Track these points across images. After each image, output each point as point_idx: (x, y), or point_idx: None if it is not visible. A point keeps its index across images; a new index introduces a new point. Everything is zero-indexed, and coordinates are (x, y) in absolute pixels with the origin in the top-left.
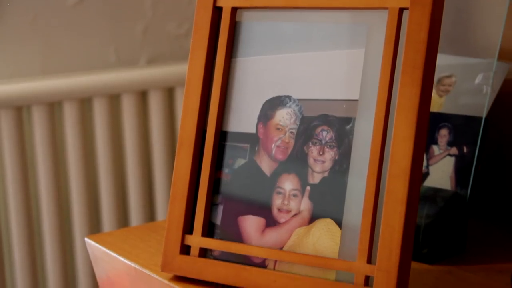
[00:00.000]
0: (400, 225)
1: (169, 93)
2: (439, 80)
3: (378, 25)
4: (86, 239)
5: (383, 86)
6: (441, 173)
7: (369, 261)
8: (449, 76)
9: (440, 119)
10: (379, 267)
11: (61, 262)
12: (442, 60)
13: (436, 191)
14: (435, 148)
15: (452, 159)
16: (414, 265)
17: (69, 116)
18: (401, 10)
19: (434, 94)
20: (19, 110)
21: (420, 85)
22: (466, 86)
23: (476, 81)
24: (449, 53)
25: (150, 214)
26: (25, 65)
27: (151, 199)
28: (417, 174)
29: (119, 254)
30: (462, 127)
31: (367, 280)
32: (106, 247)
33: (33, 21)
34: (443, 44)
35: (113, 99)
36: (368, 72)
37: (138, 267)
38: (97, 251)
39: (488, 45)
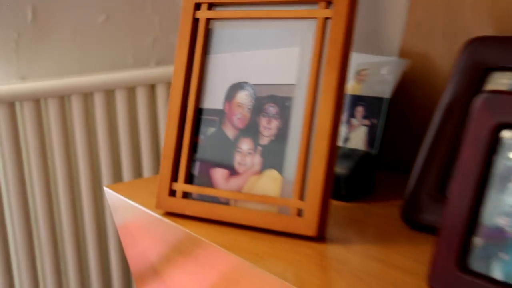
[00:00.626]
0: (322, 173)
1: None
2: (358, 72)
3: (310, 30)
4: (105, 188)
5: (312, 73)
6: (357, 138)
7: (301, 198)
8: (365, 69)
9: (358, 99)
10: (307, 202)
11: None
12: (361, 58)
13: (353, 151)
14: (353, 121)
15: (366, 128)
16: (336, 202)
17: (98, 104)
18: (326, 19)
19: (354, 82)
20: (62, 99)
21: (338, 73)
22: (377, 76)
23: (383, 72)
24: (365, 52)
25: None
26: (67, 65)
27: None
28: (335, 137)
29: (131, 200)
30: (373, 105)
31: (299, 212)
32: (121, 194)
33: (73, 32)
34: (362, 46)
35: (130, 91)
36: (302, 64)
37: (141, 207)
38: (114, 198)
39: (392, 47)
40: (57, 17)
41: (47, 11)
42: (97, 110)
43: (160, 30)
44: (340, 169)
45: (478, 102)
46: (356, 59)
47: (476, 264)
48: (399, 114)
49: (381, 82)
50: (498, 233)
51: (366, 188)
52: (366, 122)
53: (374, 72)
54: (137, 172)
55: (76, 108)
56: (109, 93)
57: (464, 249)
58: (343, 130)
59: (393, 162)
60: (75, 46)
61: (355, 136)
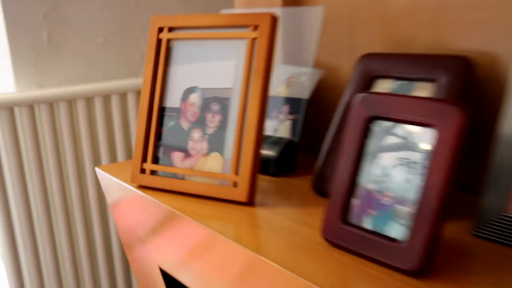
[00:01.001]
0: (251, 154)
1: None
2: (287, 79)
3: (242, 47)
4: (96, 169)
5: (244, 80)
6: (284, 129)
7: (236, 173)
8: (291, 77)
9: (285, 100)
10: (240, 176)
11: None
12: (289, 69)
13: (281, 139)
14: (281, 116)
15: (290, 122)
16: (267, 177)
17: (98, 106)
18: (254, 39)
19: (284, 87)
20: (69, 102)
21: (263, 79)
22: (299, 82)
23: (303, 80)
24: (292, 65)
25: None
26: (74, 75)
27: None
28: (261, 127)
29: (115, 177)
30: (295, 104)
31: (235, 184)
32: (109, 173)
33: (79, 51)
34: (290, 60)
35: (123, 96)
36: (237, 72)
37: (121, 182)
38: (103, 176)
39: (309, 61)
40: (66, 39)
41: (59, 35)
42: (97, 111)
43: (146, 48)
44: (271, 152)
45: (356, 100)
46: (286, 70)
47: (354, 218)
48: (314, 111)
49: (302, 87)
50: (368, 195)
51: (290, 167)
52: (291, 117)
53: (297, 79)
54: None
55: (80, 110)
56: (106, 97)
57: (346, 207)
58: (273, 123)
59: (310, 147)
60: (80, 61)
61: (283, 128)
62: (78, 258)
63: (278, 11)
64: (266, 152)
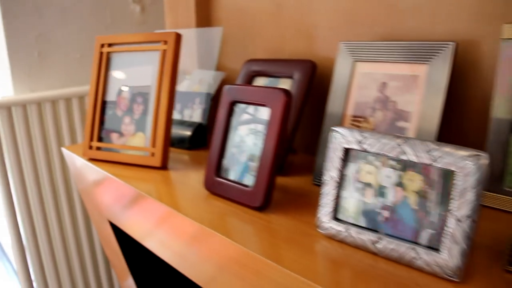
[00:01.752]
0: (163, 132)
1: None
2: (199, 80)
3: (157, 56)
4: (62, 149)
5: (158, 79)
6: (196, 115)
7: (153, 146)
8: (202, 78)
9: (197, 94)
10: (156, 148)
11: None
12: (201, 72)
13: (194, 122)
14: (195, 106)
15: (201, 110)
16: (183, 151)
17: (75, 106)
18: (164, 50)
19: (197, 85)
20: (53, 102)
21: (170, 79)
22: (207, 81)
23: (210, 79)
24: (203, 69)
25: None
26: (58, 82)
27: None
28: (170, 113)
29: (74, 153)
30: (205, 97)
31: (153, 154)
32: (72, 152)
33: (62, 64)
34: (202, 66)
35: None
36: (153, 74)
37: (78, 157)
38: (68, 155)
39: (214, 65)
40: (52, 55)
41: (46, 52)
42: (74, 109)
43: None
44: (187, 132)
45: (224, 90)
46: (199, 73)
47: (223, 173)
48: (217, 102)
49: (209, 85)
50: (232, 156)
51: (201, 143)
52: (201, 106)
53: (206, 79)
54: None
55: (62, 108)
56: (81, 98)
57: (219, 165)
58: (189, 111)
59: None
60: (62, 71)
61: (195, 114)
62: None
63: (193, 30)
64: (183, 132)
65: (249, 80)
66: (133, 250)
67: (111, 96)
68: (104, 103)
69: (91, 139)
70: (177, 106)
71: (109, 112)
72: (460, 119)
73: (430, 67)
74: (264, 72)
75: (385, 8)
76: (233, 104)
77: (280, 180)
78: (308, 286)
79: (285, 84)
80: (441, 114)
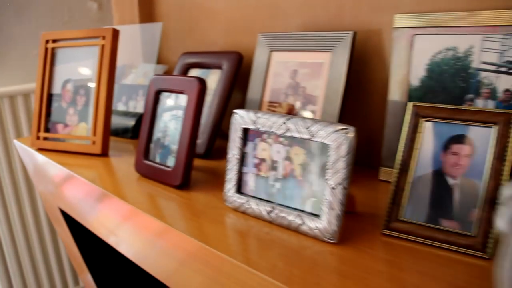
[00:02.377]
0: (102, 122)
1: None
2: (144, 73)
3: (97, 51)
4: (14, 141)
5: (98, 72)
6: (140, 106)
7: (94, 135)
8: (147, 71)
9: (142, 87)
10: (97, 137)
11: None
12: (145, 65)
13: (137, 113)
14: (139, 98)
15: (144, 101)
16: (126, 140)
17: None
18: (103, 45)
19: (142, 78)
20: (25, 96)
21: (108, 72)
22: (150, 74)
23: (153, 72)
24: (148, 62)
25: None
26: (17, 77)
27: None
28: (109, 104)
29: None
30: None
31: (94, 142)
32: (22, 143)
33: (19, 60)
34: (146, 60)
35: None
36: (94, 67)
37: (27, 147)
38: (19, 146)
39: (154, 59)
40: (10, 52)
41: (4, 49)
42: (32, 104)
43: None
44: (130, 122)
45: (151, 80)
46: (144, 66)
47: (151, 156)
48: None
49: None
50: (157, 140)
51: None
52: (145, 98)
53: (150, 72)
54: None
55: (20, 103)
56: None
57: (147, 149)
58: (133, 102)
59: None
60: (20, 68)
61: (139, 105)
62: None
63: (137, 26)
64: (127, 122)
65: (184, 72)
66: (88, 241)
67: (56, 89)
68: (50, 96)
69: (39, 130)
70: (123, 98)
71: (55, 104)
72: (365, 101)
73: (333, 54)
74: (197, 64)
75: (299, 2)
76: (158, 93)
77: (206, 163)
78: (218, 256)
79: (215, 74)
80: (342, 97)
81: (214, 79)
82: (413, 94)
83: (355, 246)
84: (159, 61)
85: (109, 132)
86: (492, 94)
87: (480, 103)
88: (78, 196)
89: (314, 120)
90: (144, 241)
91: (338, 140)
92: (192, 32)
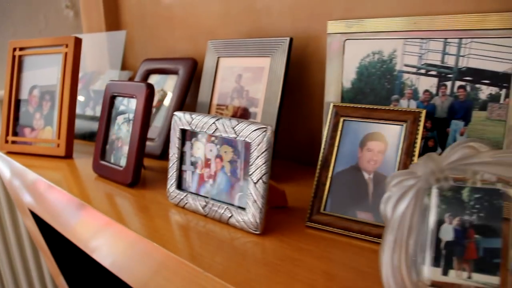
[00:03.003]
0: (66, 126)
1: None
2: (110, 79)
3: (61, 58)
4: None
5: (61, 78)
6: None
7: (59, 138)
8: (112, 78)
9: None
10: (61, 140)
11: None
12: (110, 72)
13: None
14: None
15: None
16: (92, 143)
17: None
18: (66, 53)
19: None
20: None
21: (71, 78)
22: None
23: (117, 79)
24: (114, 69)
25: None
26: None
27: None
28: (73, 108)
29: None
30: None
31: (59, 145)
32: None
33: None
34: (113, 66)
35: None
36: (58, 74)
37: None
38: None
39: (118, 65)
40: None
41: None
42: None
43: None
44: (96, 126)
45: (107, 85)
46: (110, 73)
47: (107, 156)
48: None
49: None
50: (112, 142)
51: None
52: None
53: (115, 78)
54: None
55: None
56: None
57: (103, 151)
58: (99, 108)
59: None
60: None
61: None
62: None
63: (104, 34)
64: (94, 126)
65: (145, 78)
66: (59, 243)
67: (24, 95)
68: (18, 101)
69: (7, 134)
70: (91, 103)
71: (22, 109)
72: (306, 104)
73: (272, 59)
74: (157, 70)
75: (245, 10)
76: (113, 97)
77: (161, 163)
78: (157, 248)
79: (172, 80)
80: (280, 99)
81: (171, 84)
82: (346, 96)
83: (278, 237)
84: (125, 68)
85: (73, 135)
86: (414, 95)
87: (404, 103)
88: (42, 198)
89: (238, 120)
90: (97, 233)
91: (258, 138)
92: (154, 40)
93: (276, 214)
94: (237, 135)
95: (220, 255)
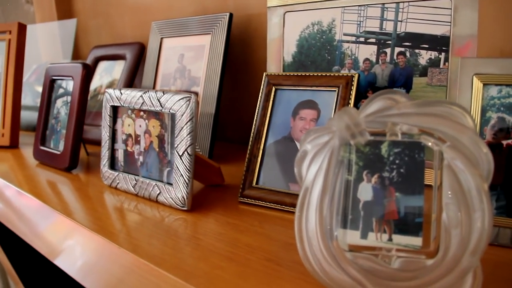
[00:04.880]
0: (10, 115)
1: None
2: None
3: (4, 46)
4: None
5: (5, 66)
6: None
7: (3, 128)
8: None
9: None
10: (5, 130)
11: None
12: (65, 61)
13: None
14: None
15: None
16: None
17: None
18: (10, 39)
19: None
20: None
21: (15, 66)
22: None
23: None
24: (65, 58)
25: None
26: None
27: None
28: (17, 97)
29: None
30: None
31: (3, 134)
32: None
33: None
34: (65, 55)
35: None
36: (2, 63)
37: None
38: None
39: (70, 52)
40: None
41: None
42: None
43: None
44: None
45: (47, 68)
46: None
47: (47, 142)
48: None
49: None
50: (52, 126)
51: None
52: None
53: None
54: None
55: None
56: None
57: (43, 136)
58: None
59: None
60: None
61: None
62: None
63: (55, 23)
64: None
65: (94, 65)
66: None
67: None
68: None
69: None
70: None
71: None
72: (250, 81)
73: (212, 36)
74: (105, 57)
75: None
76: (52, 81)
77: None
78: (90, 232)
79: (120, 65)
80: (221, 76)
81: (119, 70)
82: (287, 70)
83: (208, 214)
84: (79, 57)
85: (19, 124)
86: (354, 65)
87: None
88: None
89: (164, 92)
90: (36, 224)
91: (182, 108)
92: (105, 27)
93: (212, 192)
94: (163, 107)
95: (155, 237)
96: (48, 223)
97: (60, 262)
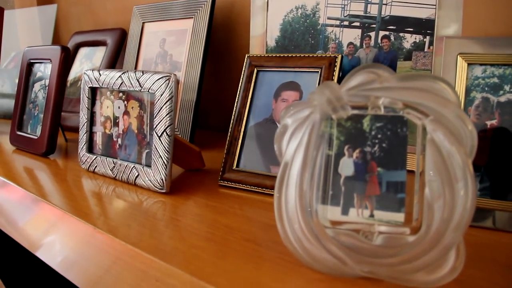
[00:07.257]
0: None
1: None
2: None
3: None
4: None
5: None
6: None
7: None
8: None
9: None
10: None
11: None
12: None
13: None
14: None
15: None
16: None
17: None
18: None
19: None
20: None
21: None
22: None
23: None
24: (47, 44)
25: None
26: None
27: None
28: None
29: None
30: None
31: None
32: None
33: None
34: (45, 41)
35: None
36: None
37: None
38: None
39: (50, 39)
40: None
41: None
42: None
43: None
44: None
45: (24, 52)
46: None
47: (24, 127)
48: None
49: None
50: (29, 111)
51: None
52: None
53: None
54: None
55: None
56: None
57: (20, 120)
58: None
59: None
60: None
61: None
62: None
63: (35, 9)
64: None
65: (75, 51)
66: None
67: None
68: None
69: None
70: None
71: None
72: (233, 68)
73: (195, 20)
74: (86, 43)
75: None
76: (30, 64)
77: None
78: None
79: (101, 51)
80: (202, 61)
81: (100, 56)
82: None
83: (187, 196)
84: (58, 43)
85: None
86: (338, 49)
87: None
88: None
89: (143, 71)
90: (14, 212)
91: (161, 88)
92: (87, 13)
93: (192, 176)
94: (142, 87)
95: (133, 219)
96: (24, 209)
97: (42, 253)
